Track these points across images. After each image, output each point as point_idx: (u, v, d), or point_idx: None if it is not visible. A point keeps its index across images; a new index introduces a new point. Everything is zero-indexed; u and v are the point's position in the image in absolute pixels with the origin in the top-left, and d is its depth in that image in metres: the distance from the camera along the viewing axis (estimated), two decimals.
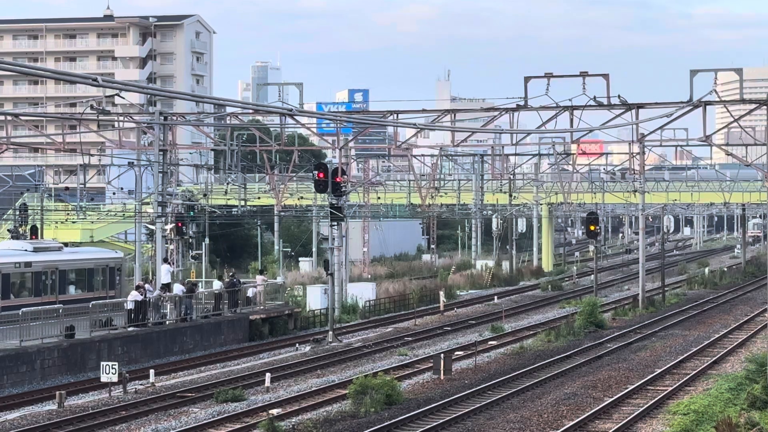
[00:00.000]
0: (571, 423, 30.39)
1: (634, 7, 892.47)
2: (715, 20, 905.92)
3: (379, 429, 29.71)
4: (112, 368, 35.92)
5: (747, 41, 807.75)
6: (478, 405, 33.40)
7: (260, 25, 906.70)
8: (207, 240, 79.43)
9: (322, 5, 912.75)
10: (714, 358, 43.90)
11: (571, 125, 45.79)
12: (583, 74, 44.66)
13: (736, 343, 48.88)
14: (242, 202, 76.41)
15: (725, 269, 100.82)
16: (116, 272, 52.95)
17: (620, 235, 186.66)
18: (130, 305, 45.11)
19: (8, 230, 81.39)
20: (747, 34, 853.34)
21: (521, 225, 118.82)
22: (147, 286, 47.00)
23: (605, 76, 44.40)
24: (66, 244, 57.64)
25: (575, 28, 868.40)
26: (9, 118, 55.56)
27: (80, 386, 37.96)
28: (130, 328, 44.54)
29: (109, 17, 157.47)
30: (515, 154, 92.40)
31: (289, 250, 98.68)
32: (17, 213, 77.26)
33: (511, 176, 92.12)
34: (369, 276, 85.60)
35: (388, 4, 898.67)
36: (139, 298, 45.28)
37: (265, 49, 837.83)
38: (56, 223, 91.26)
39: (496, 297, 75.15)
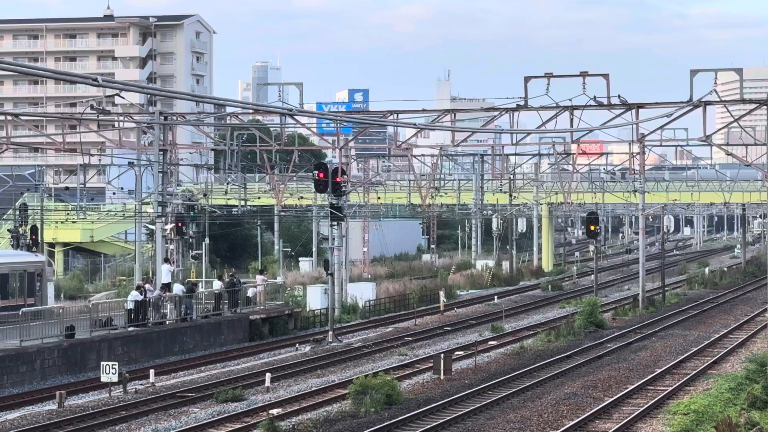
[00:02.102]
0: (572, 423, 30.39)
1: (628, 7, 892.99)
2: (710, 20, 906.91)
3: (379, 429, 29.70)
4: (112, 368, 35.92)
5: (743, 41, 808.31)
6: (478, 405, 33.39)
7: (258, 25, 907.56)
8: (207, 240, 79.43)
9: (318, 5, 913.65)
10: (714, 358, 43.90)
11: (571, 125, 45.81)
12: (583, 74, 44.66)
13: (736, 343, 48.88)
14: (242, 202, 76.46)
15: (725, 269, 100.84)
16: (36, 278, 49.34)
17: (620, 235, 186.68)
18: (130, 305, 45.12)
19: (8, 230, 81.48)
20: (742, 34, 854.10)
21: (521, 225, 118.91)
22: (147, 286, 47.00)
23: (605, 76, 44.40)
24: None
25: (571, 28, 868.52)
26: (9, 118, 55.57)
27: (80, 386, 37.96)
28: (131, 328, 44.54)
29: (109, 17, 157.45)
30: (515, 154, 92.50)
31: (289, 250, 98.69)
32: (17, 213, 77.28)
33: (511, 176, 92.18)
34: (369, 276, 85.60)
35: (382, 5, 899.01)
36: (140, 298, 45.29)
37: (265, 49, 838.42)
38: (56, 223, 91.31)
39: (496, 297, 75.14)
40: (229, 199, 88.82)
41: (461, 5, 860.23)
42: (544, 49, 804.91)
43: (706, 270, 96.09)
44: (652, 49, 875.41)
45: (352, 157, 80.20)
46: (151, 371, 39.20)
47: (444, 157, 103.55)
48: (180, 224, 54.00)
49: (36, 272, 49.51)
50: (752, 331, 53.84)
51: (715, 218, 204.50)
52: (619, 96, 44.45)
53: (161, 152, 53.15)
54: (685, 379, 38.54)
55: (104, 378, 36.08)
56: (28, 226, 77.13)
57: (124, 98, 78.26)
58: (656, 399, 34.36)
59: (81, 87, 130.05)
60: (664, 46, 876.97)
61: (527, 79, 45.17)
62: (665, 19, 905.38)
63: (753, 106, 44.52)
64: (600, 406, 32.94)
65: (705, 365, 42.04)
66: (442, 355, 40.59)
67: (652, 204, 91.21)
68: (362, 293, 66.10)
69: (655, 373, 39.77)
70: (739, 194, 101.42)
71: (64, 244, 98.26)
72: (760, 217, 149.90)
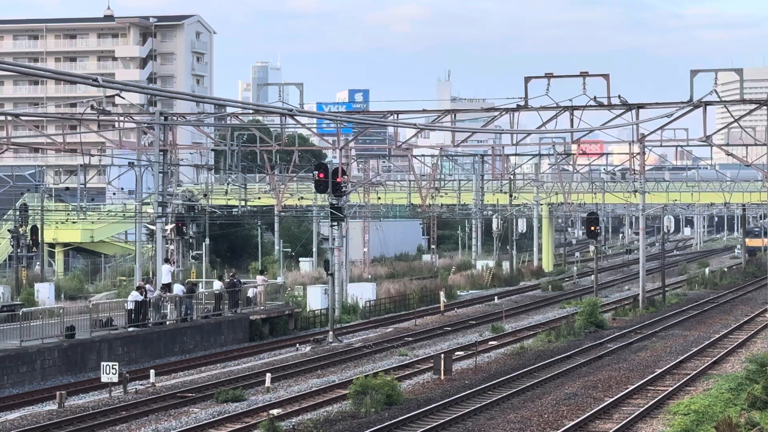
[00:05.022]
0: (572, 423, 30.39)
1: (624, 7, 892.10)
2: (707, 20, 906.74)
3: (380, 429, 29.71)
4: (113, 368, 35.92)
5: (741, 41, 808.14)
6: (479, 405, 33.39)
7: (258, 25, 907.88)
8: (207, 240, 79.46)
9: (312, 6, 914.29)
10: (714, 359, 43.89)
11: (572, 125, 45.79)
12: (584, 74, 44.64)
13: (736, 344, 48.88)
14: (242, 203, 76.45)
15: (725, 269, 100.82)
16: None
17: (620, 235, 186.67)
18: (130, 305, 45.13)
19: (8, 230, 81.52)
20: (740, 35, 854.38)
21: (521, 225, 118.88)
22: (148, 286, 47.01)
23: (605, 76, 44.37)
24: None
25: (570, 28, 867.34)
26: (9, 118, 55.58)
27: (80, 386, 37.97)
28: (131, 329, 44.55)
29: (109, 17, 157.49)
30: (515, 155, 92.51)
31: (290, 250, 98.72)
32: (17, 213, 77.34)
33: (512, 176, 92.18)
34: (369, 276, 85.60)
35: (378, 5, 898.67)
36: (140, 298, 45.30)
37: (265, 49, 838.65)
38: (56, 223, 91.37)
39: (496, 297, 75.15)
40: (229, 199, 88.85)
41: (457, 5, 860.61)
42: (542, 50, 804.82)
43: (707, 270, 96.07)
44: (650, 50, 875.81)
45: (352, 158, 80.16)
46: (152, 371, 39.21)
47: (444, 158, 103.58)
48: (180, 224, 54.01)
49: None
50: (752, 332, 53.84)
51: (716, 218, 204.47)
52: (619, 96, 44.43)
53: (161, 152, 53.14)
54: (685, 379, 38.54)
55: (104, 378, 36.08)
56: (29, 227, 77.24)
57: (124, 98, 78.34)
58: (656, 399, 34.35)
59: (81, 87, 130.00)
60: (662, 46, 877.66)
61: (527, 80, 45.15)
62: (661, 19, 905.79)
63: (753, 106, 44.53)
64: (600, 407, 32.94)
65: (705, 365, 42.03)
66: (442, 355, 40.59)
67: (652, 204, 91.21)
68: (362, 293, 66.11)
69: (655, 374, 39.77)
70: (740, 194, 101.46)
71: (65, 245, 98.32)
72: (760, 218, 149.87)
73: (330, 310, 54.07)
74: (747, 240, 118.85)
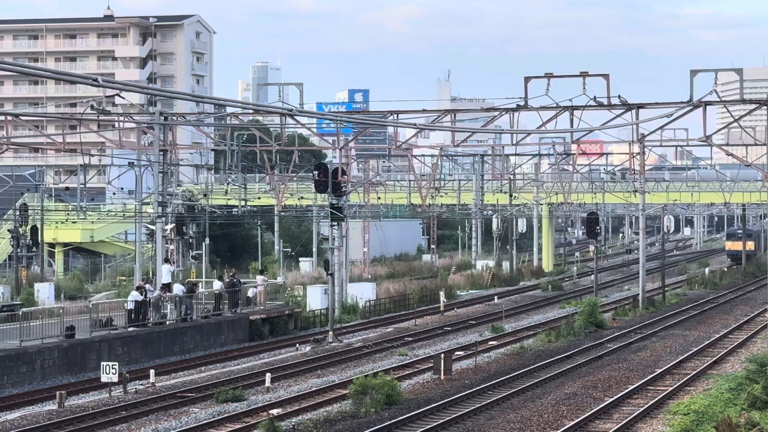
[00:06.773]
0: (572, 423, 30.39)
1: (619, 8, 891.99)
2: (704, 21, 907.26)
3: (380, 429, 29.71)
4: (113, 368, 35.92)
5: (739, 42, 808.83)
6: (478, 405, 33.39)
7: (258, 25, 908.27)
8: (207, 240, 79.45)
9: (310, 6, 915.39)
10: (714, 358, 43.89)
11: (572, 125, 45.78)
12: (584, 74, 44.62)
13: (736, 343, 48.88)
14: (242, 202, 76.45)
15: (725, 269, 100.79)
16: None
17: (620, 235, 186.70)
18: (130, 305, 45.13)
19: (8, 230, 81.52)
20: (737, 35, 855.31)
21: (521, 225, 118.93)
22: (148, 286, 47.01)
23: (605, 76, 44.37)
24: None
25: (569, 28, 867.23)
26: (9, 118, 55.57)
27: (80, 386, 37.96)
28: (131, 328, 44.55)
29: (109, 17, 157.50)
30: (515, 155, 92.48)
31: (290, 250, 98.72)
32: (17, 213, 77.33)
33: (512, 176, 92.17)
34: (369, 276, 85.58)
35: (376, 5, 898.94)
36: (140, 298, 45.30)
37: (265, 49, 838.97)
38: (56, 223, 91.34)
39: (496, 297, 75.14)
40: (229, 199, 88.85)
41: (455, 5, 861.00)
42: (540, 50, 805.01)
43: (706, 270, 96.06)
44: (647, 50, 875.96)
45: (352, 158, 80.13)
46: (151, 371, 39.20)
47: (444, 158, 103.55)
48: (180, 224, 54.00)
49: None
50: (752, 331, 53.84)
51: (716, 218, 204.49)
52: (619, 96, 44.41)
53: (161, 152, 53.14)
54: (685, 379, 38.54)
55: (104, 378, 36.08)
56: (28, 227, 77.24)
57: (124, 98, 78.35)
58: (656, 399, 34.36)
59: (81, 87, 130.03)
60: (660, 46, 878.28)
61: (527, 80, 45.14)
62: (657, 19, 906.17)
63: (753, 106, 44.53)
64: (600, 407, 32.94)
65: (705, 365, 42.03)
66: (442, 355, 40.59)
67: (652, 204, 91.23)
68: (362, 293, 66.10)
69: (655, 373, 39.77)
70: (739, 194, 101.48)
71: (65, 245, 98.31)
72: (760, 217, 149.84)
73: (330, 310, 54.07)
74: (729, 243, 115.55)
